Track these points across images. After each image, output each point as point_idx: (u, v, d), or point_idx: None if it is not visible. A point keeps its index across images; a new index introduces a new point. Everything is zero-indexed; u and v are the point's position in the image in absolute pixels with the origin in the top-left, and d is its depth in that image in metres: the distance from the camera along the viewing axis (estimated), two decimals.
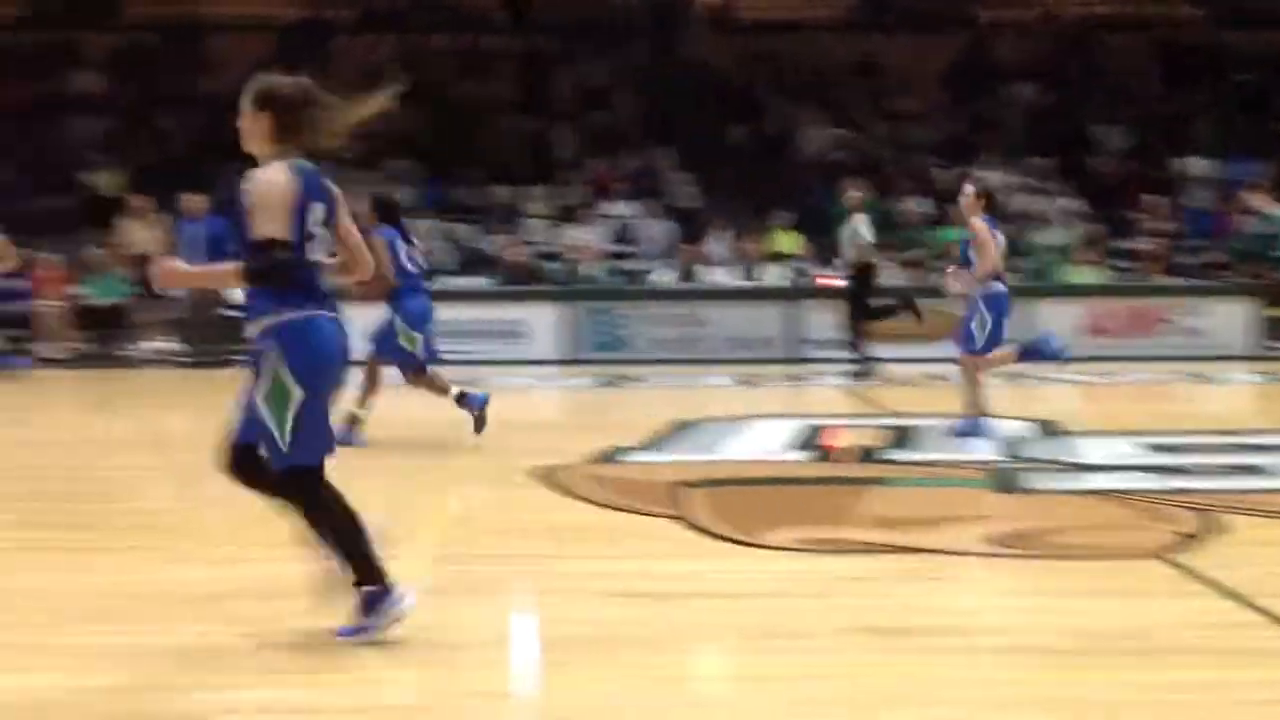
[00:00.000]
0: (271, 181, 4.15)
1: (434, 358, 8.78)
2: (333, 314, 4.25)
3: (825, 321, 15.20)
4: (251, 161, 4.29)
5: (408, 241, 8.74)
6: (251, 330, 4.20)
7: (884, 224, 17.44)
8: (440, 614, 4.71)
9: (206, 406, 11.74)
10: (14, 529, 6.36)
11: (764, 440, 8.92)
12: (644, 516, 6.38)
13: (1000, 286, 8.80)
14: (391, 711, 3.75)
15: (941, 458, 8.25)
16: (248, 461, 4.35)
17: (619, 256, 17.82)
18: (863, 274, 13.73)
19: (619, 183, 19.27)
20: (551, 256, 17.53)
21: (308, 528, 4.30)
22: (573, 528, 6.22)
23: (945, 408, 9.43)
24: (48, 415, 10.08)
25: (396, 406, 11.29)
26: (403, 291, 8.47)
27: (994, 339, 8.77)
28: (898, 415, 10.24)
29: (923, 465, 8.04)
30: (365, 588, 4.25)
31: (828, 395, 12.33)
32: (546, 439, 9.16)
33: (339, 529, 4.27)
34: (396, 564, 5.34)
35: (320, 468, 4.27)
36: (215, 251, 14.94)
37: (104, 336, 15.99)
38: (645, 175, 19.72)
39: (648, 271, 17.31)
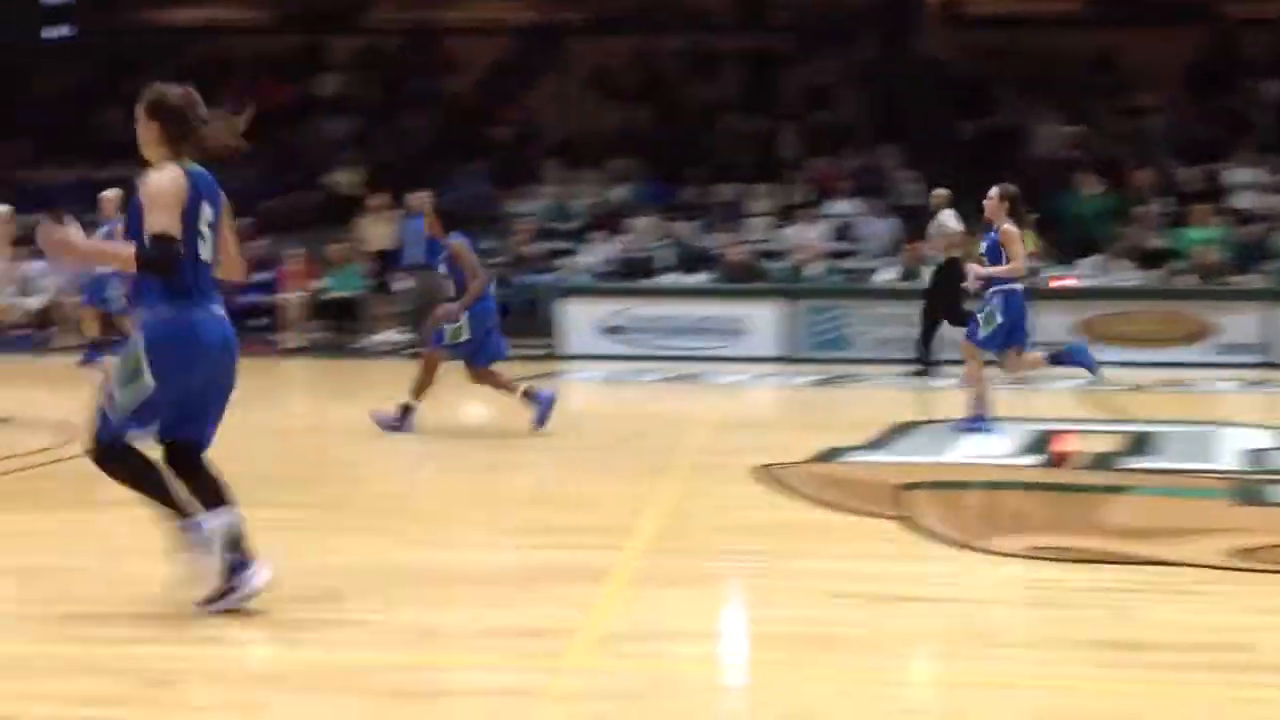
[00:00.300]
0: (165, 181, 4.38)
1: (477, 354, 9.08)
2: (212, 312, 4.48)
3: (1056, 323, 14.74)
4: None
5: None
6: (132, 320, 4.44)
7: (1120, 222, 16.82)
8: (656, 607, 4.75)
9: (434, 397, 12.15)
10: (264, 508, 6.67)
11: (990, 444, 8.68)
12: (865, 517, 6.29)
13: (1017, 286, 9.11)
14: (604, 699, 3.78)
15: (1180, 466, 7.88)
16: (178, 456, 4.60)
17: (841, 255, 17.62)
18: (949, 269, 13.22)
19: (843, 181, 19.06)
20: (773, 255, 17.46)
21: (127, 485, 4.58)
22: (792, 526, 6.18)
23: (1182, 413, 9.01)
24: (293, 402, 10.58)
25: (622, 402, 11.45)
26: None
27: (1010, 337, 9.08)
28: (1132, 421, 9.82)
29: (1159, 474, 7.69)
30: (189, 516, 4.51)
31: (1057, 399, 11.91)
32: (766, 437, 9.13)
33: (143, 484, 4.56)
34: (616, 554, 5.45)
35: (128, 441, 4.50)
36: (432, 247, 15.42)
37: (340, 327, 16.69)
38: (870, 173, 19.44)
39: (870, 270, 17.07)
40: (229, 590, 4.45)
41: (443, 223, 9.03)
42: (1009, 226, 9.12)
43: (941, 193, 13.90)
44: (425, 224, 8.98)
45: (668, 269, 17.13)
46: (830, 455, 8.10)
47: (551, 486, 7.26)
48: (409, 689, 3.83)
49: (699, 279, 16.60)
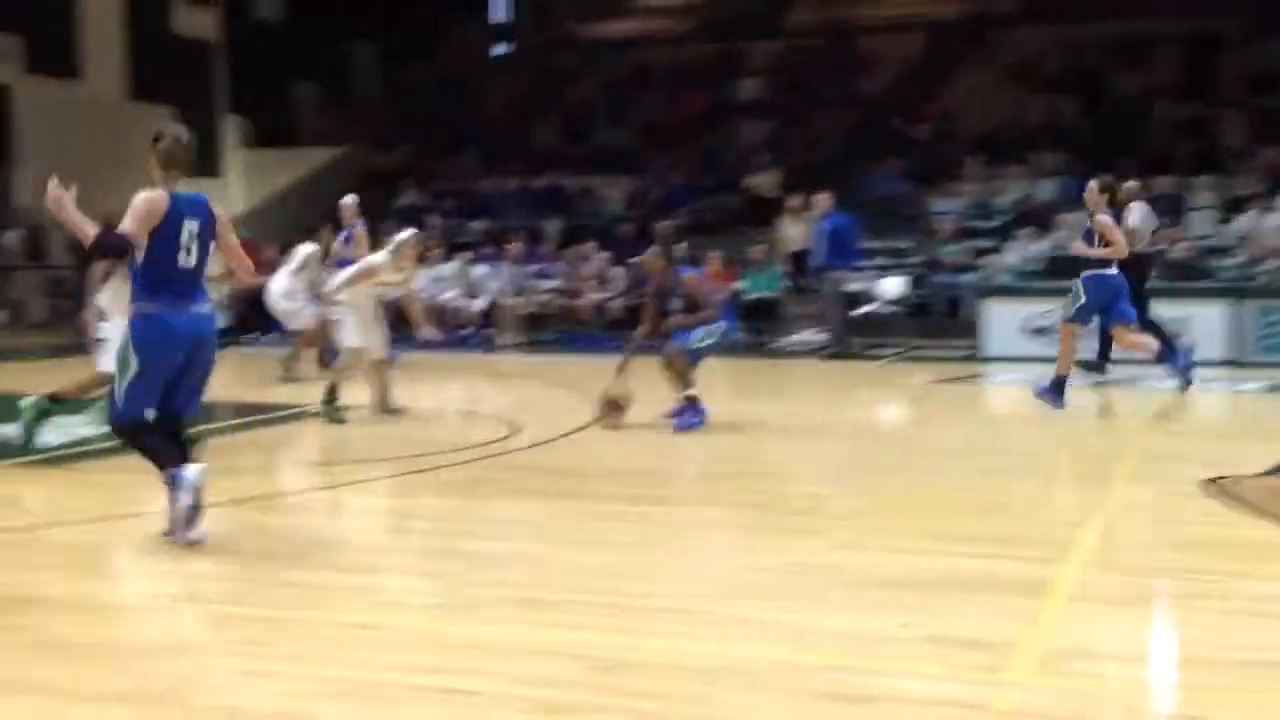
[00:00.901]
0: (142, 198, 5.49)
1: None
2: (189, 309, 5.54)
3: None
4: None
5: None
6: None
7: None
8: (1100, 625, 4.50)
9: (849, 398, 12.09)
10: (690, 505, 6.86)
11: None
12: None
13: (1108, 272, 10.06)
14: (1050, 719, 3.61)
15: None
16: (164, 423, 5.63)
17: None
18: (1131, 265, 11.73)
19: None
20: (1219, 251, 16.25)
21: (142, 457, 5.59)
22: (1249, 544, 5.69)
23: None
24: (712, 401, 10.71)
25: (1049, 407, 10.98)
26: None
27: (1108, 316, 10.27)
28: None
29: None
30: (168, 470, 5.55)
31: None
32: (1214, 447, 8.48)
33: (151, 456, 5.62)
34: (1054, 567, 5.19)
35: (143, 420, 5.59)
36: (834, 248, 15.32)
37: (759, 327, 16.91)
38: None
39: None
40: (176, 500, 5.52)
41: (666, 257, 9.44)
42: (1102, 216, 10.08)
43: (1133, 185, 13.02)
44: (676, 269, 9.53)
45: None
46: None
47: (978, 492, 7.03)
48: (844, 692, 3.79)
49: None
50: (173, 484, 5.52)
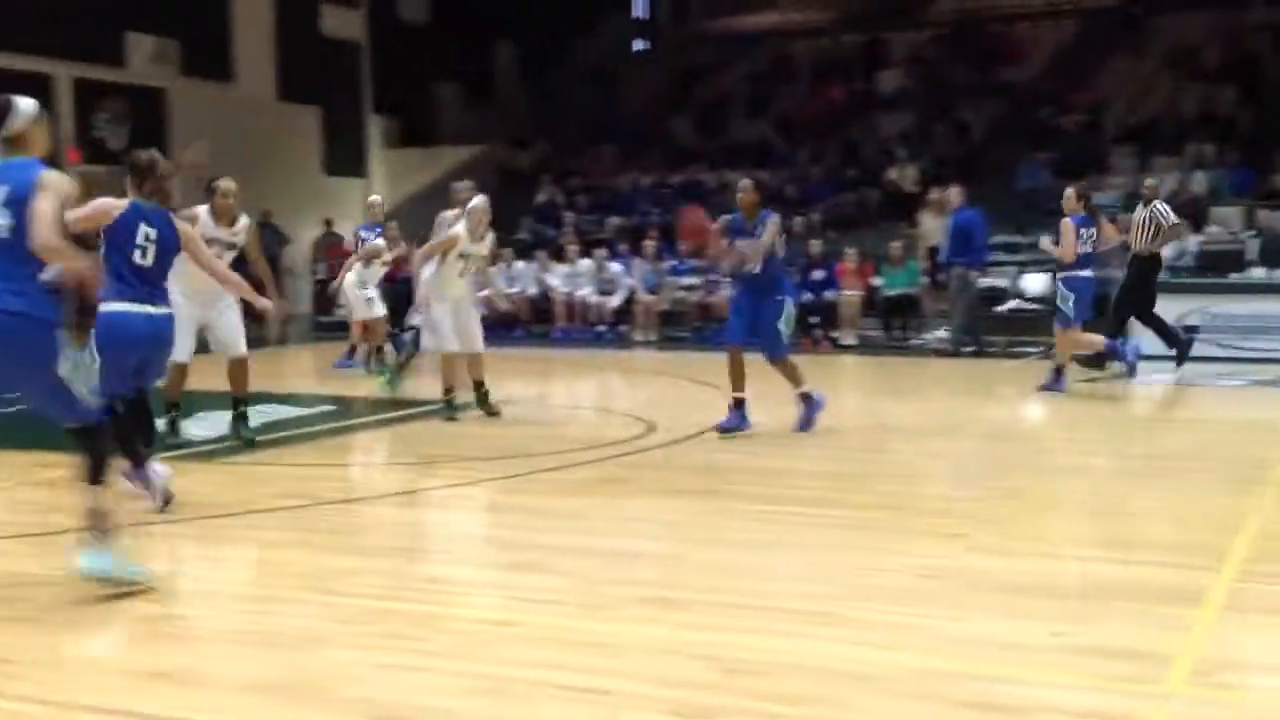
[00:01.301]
0: (106, 201, 6.21)
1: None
2: (143, 308, 6.13)
3: None
4: None
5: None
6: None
7: None
8: (1257, 637, 4.32)
9: (989, 397, 11.82)
10: (824, 506, 6.77)
11: None
12: None
13: (1082, 273, 10.87)
14: None
15: None
16: (128, 405, 6.10)
17: None
18: (1151, 261, 12.36)
19: None
20: None
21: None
22: None
23: None
24: (845, 399, 10.63)
25: (1199, 409, 10.64)
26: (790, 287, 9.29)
27: (1084, 308, 10.90)
28: None
29: None
30: (138, 466, 6.12)
31: None
32: None
33: (120, 444, 5.77)
34: (1205, 575, 4.99)
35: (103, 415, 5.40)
36: (959, 243, 14.95)
37: (893, 324, 16.66)
38: None
39: None
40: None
41: (763, 199, 9.09)
42: (1065, 220, 10.82)
43: (1152, 182, 13.17)
44: (745, 211, 8.96)
45: (1254, 263, 15.69)
46: None
47: (1122, 497, 6.81)
48: (989, 701, 3.69)
49: None
50: (138, 476, 6.19)
